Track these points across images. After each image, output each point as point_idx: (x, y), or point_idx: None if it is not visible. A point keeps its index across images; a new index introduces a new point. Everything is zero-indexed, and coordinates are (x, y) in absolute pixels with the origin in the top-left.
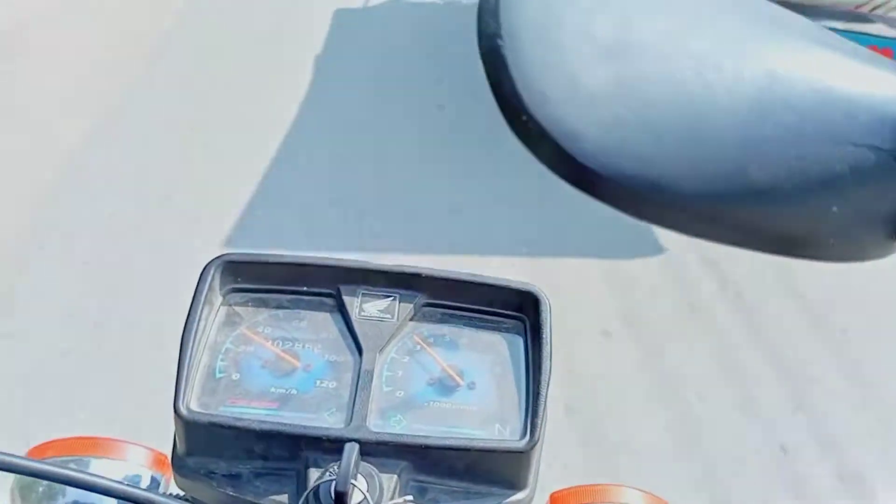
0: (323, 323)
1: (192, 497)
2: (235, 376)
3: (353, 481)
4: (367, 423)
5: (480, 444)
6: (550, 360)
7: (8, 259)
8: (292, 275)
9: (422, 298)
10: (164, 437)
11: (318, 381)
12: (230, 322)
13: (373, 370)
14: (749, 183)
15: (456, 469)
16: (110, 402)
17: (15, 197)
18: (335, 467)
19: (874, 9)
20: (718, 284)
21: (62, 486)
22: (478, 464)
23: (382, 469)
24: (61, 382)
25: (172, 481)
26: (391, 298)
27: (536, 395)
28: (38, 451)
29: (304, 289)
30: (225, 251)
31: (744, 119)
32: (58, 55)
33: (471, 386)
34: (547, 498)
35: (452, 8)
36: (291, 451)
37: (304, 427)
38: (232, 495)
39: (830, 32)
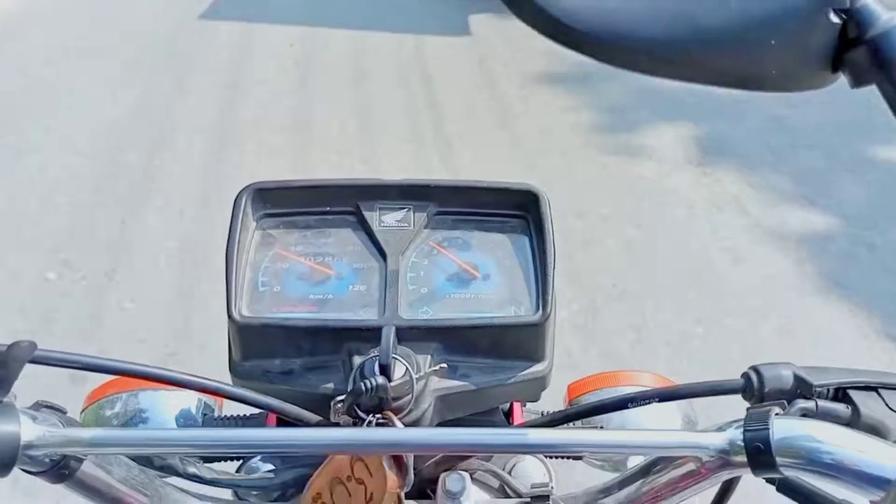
0: (348, 237)
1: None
2: (277, 288)
3: (394, 355)
4: (399, 313)
5: (500, 321)
6: (554, 246)
7: None
8: (316, 197)
9: (434, 207)
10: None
11: (351, 286)
12: (265, 243)
13: (398, 270)
14: (698, 26)
15: (481, 347)
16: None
17: None
18: (375, 352)
19: None
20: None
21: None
22: (499, 340)
23: (417, 351)
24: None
25: (225, 408)
26: (406, 210)
27: (544, 276)
28: (100, 392)
29: (328, 209)
30: None
31: None
32: None
33: (486, 277)
34: (564, 391)
35: None
36: (335, 344)
37: (345, 320)
38: (287, 389)
39: None
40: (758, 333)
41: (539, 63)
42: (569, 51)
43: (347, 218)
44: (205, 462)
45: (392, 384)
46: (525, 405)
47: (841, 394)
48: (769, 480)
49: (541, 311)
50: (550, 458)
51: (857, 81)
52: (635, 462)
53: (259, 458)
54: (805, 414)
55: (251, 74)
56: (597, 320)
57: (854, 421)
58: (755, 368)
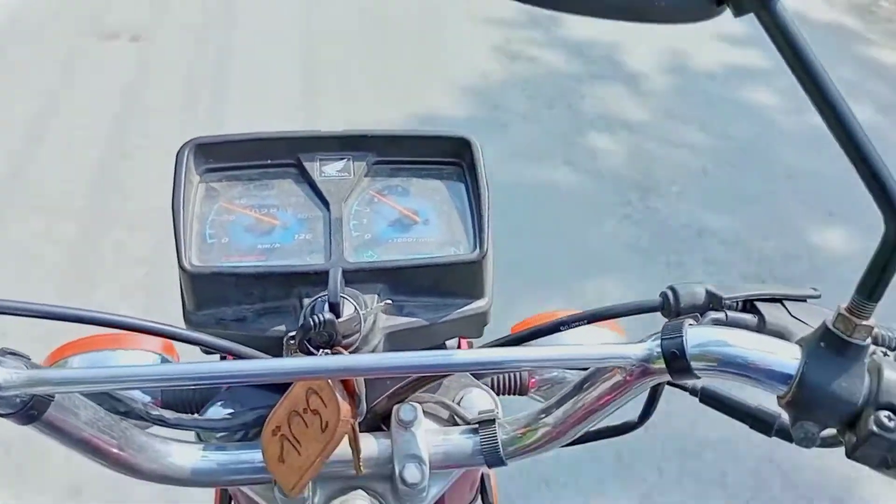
0: (290, 188)
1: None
2: (225, 240)
3: (342, 294)
4: (345, 257)
5: (441, 260)
6: (488, 190)
7: None
8: (256, 150)
9: (372, 157)
10: None
11: (297, 235)
12: (210, 196)
13: (341, 218)
14: None
15: (424, 286)
16: None
17: None
18: (324, 293)
19: None
20: None
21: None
22: (441, 279)
23: (364, 292)
24: None
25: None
26: (346, 160)
27: (480, 218)
28: (58, 353)
29: (269, 161)
30: None
31: None
32: None
33: (426, 222)
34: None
35: None
36: (285, 289)
37: (293, 266)
38: (242, 334)
39: None
40: None
41: None
42: None
43: (289, 170)
44: (168, 408)
45: (340, 320)
46: (472, 345)
47: (749, 305)
48: (693, 393)
49: (478, 250)
50: (499, 394)
51: (739, 11)
52: None
53: (220, 403)
54: (717, 323)
55: None
56: None
57: (760, 328)
58: (671, 287)
